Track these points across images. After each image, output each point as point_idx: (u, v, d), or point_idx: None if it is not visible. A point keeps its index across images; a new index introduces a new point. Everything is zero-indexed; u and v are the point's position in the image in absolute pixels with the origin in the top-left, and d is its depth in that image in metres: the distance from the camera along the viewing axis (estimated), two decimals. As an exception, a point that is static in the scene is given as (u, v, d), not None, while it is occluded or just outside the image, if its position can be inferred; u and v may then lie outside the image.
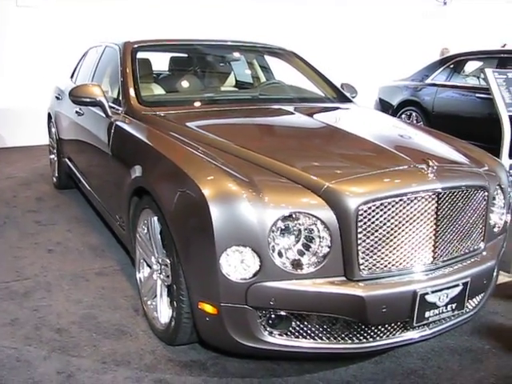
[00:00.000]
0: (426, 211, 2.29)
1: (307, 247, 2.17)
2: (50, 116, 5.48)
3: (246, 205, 2.12)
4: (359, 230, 2.16)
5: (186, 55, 4.59)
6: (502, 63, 6.45)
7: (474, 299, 2.65)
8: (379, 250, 2.22)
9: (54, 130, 5.30)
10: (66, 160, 4.81)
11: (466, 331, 2.86)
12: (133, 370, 2.48)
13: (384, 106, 8.14)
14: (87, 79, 4.32)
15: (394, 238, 2.24)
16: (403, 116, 7.76)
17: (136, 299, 3.08)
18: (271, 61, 4.47)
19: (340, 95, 3.93)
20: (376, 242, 2.21)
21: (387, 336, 2.35)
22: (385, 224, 2.21)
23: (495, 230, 2.75)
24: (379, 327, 2.32)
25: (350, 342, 2.30)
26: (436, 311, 2.34)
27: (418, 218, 2.28)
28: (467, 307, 2.60)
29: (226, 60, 4.51)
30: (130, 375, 2.44)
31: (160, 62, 4.63)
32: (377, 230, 2.20)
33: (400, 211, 2.23)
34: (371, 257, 2.21)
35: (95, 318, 2.92)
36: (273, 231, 2.12)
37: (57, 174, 5.34)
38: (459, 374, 2.51)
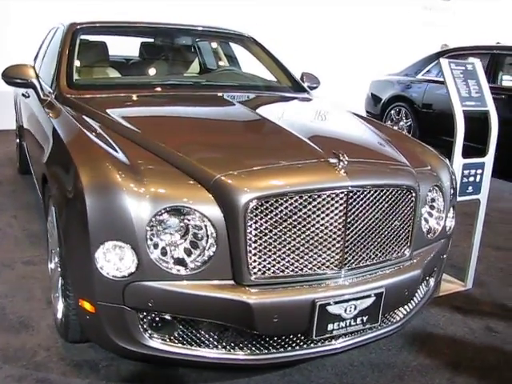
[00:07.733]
0: (332, 211, 2.04)
1: (192, 245, 1.96)
2: (15, 99, 5.35)
3: (125, 196, 1.91)
4: (249, 229, 1.93)
5: (151, 40, 4.39)
6: (494, 59, 6.13)
7: (400, 311, 2.41)
8: (274, 253, 1.99)
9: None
10: (24, 144, 4.67)
11: (397, 345, 2.62)
12: (19, 368, 2.31)
13: (375, 101, 7.75)
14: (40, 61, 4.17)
15: (293, 239, 2.00)
16: (392, 112, 7.37)
17: (53, 291, 2.91)
18: (233, 47, 4.24)
19: (295, 85, 3.68)
20: (270, 244, 1.97)
21: (285, 348, 2.12)
22: (281, 224, 1.97)
23: (429, 235, 2.49)
24: (275, 338, 2.10)
25: (241, 352, 2.08)
26: (342, 324, 2.10)
27: (323, 218, 2.03)
28: (389, 320, 2.37)
29: (179, 45, 4.27)
30: (14, 373, 2.27)
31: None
32: (271, 231, 1.97)
33: (300, 210, 1.99)
34: (264, 260, 1.98)
35: (3, 309, 2.76)
36: (151, 226, 1.92)
37: (18, 159, 5.22)
38: (373, 392, 2.28)
